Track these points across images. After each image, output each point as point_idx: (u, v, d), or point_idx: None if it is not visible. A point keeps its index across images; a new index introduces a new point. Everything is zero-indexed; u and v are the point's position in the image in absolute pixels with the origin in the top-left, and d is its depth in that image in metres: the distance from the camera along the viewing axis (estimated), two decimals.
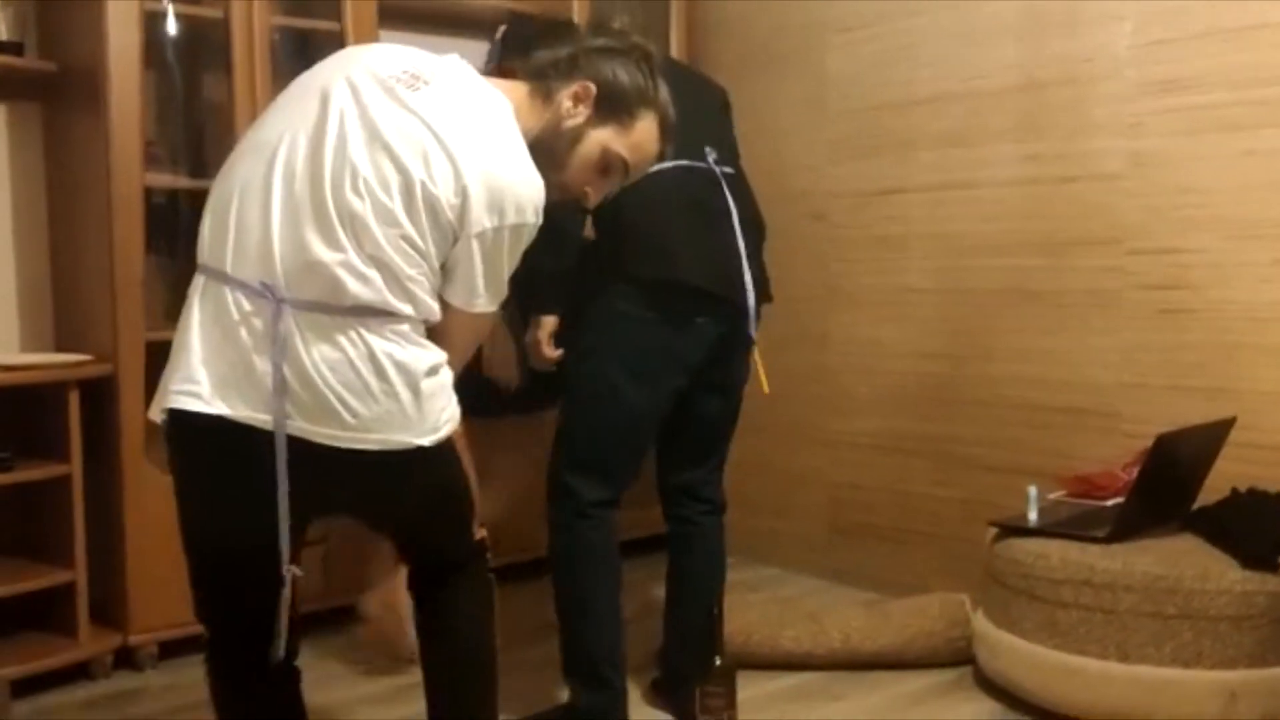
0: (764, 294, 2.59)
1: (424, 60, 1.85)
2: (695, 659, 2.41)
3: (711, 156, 2.54)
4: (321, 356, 1.68)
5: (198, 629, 3.00)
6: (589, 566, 2.47)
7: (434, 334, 1.83)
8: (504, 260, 1.82)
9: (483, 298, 1.83)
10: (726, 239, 2.49)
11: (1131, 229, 3.12)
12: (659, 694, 2.74)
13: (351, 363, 1.69)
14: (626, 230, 2.42)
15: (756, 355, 2.60)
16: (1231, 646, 2.44)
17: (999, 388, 3.40)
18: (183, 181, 3.24)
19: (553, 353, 2.51)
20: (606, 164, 1.97)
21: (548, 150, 1.89)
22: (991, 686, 2.80)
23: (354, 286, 1.69)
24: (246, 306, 1.70)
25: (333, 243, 1.69)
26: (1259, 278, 2.90)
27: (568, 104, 1.93)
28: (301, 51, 3.46)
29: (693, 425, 2.61)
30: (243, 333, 1.70)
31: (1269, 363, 2.89)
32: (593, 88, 1.93)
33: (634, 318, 2.43)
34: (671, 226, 2.43)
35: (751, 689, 2.75)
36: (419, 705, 1.98)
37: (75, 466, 2.88)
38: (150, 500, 2.99)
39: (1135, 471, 2.74)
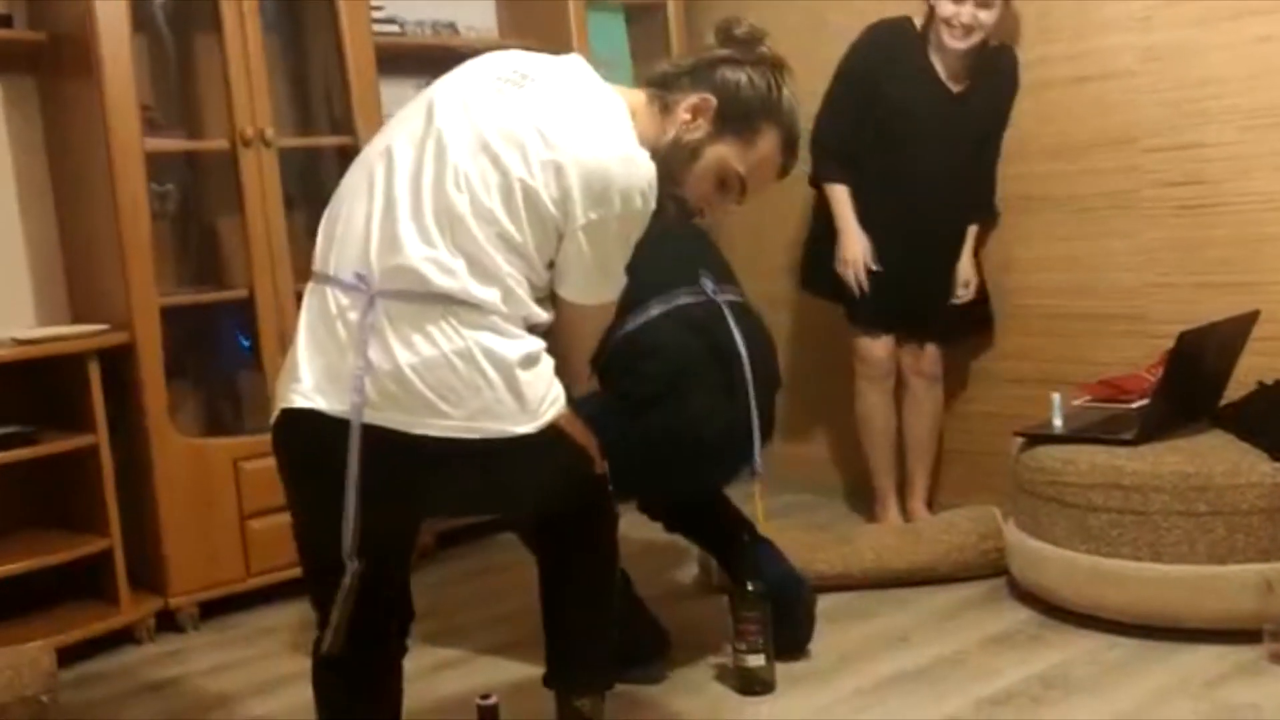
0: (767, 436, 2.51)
1: (537, 60, 1.86)
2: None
3: (709, 285, 2.43)
4: (412, 346, 1.68)
5: (236, 588, 3.13)
6: None
7: (556, 328, 1.83)
8: (615, 250, 1.79)
9: (598, 290, 1.82)
10: (739, 392, 2.38)
11: (1147, 126, 3.06)
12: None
13: (443, 352, 1.68)
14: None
15: (758, 490, 2.54)
16: (1265, 539, 2.42)
17: (1020, 298, 3.36)
18: (182, 144, 3.23)
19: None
20: (724, 180, 1.91)
21: (664, 163, 1.83)
22: (1026, 595, 2.79)
23: (439, 279, 1.69)
24: (344, 301, 1.73)
25: (426, 239, 1.70)
26: (1278, 166, 2.84)
27: (686, 116, 1.87)
28: (289, 9, 3.43)
29: None
30: (339, 327, 1.73)
31: None
32: (713, 100, 1.87)
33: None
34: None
35: None
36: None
37: (101, 436, 2.91)
38: (179, 464, 3.02)
39: (1160, 372, 2.71)
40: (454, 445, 1.70)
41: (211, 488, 3.08)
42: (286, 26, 3.45)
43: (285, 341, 3.17)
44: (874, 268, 3.20)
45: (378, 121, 3.32)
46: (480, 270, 1.70)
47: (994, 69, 3.21)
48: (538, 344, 1.77)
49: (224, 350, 3.37)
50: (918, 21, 3.18)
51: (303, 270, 3.35)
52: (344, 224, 1.78)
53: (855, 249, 3.20)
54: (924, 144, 3.18)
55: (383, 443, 1.70)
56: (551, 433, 1.77)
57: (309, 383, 1.74)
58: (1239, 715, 2.17)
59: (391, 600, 1.89)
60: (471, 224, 1.70)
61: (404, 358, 1.68)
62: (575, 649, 2.01)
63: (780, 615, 2.45)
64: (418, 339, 1.68)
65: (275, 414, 1.80)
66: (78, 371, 2.89)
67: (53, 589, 2.97)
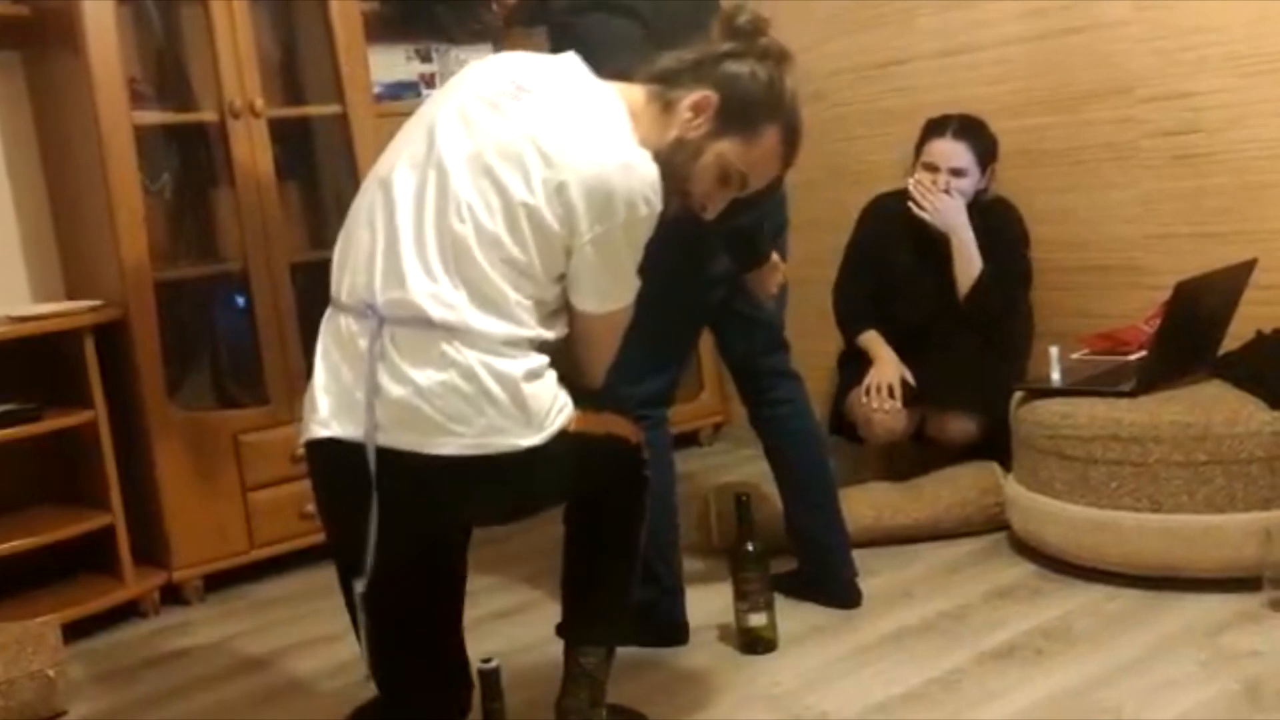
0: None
1: (533, 67, 1.86)
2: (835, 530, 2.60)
3: None
4: (419, 372, 1.71)
5: (240, 560, 3.14)
6: None
7: (573, 337, 1.85)
8: (625, 257, 1.80)
9: (612, 299, 1.83)
10: None
11: (1142, 76, 3.03)
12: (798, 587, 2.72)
13: (449, 376, 1.70)
14: None
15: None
16: (1265, 487, 2.42)
17: None
18: (170, 117, 3.21)
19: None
20: (725, 178, 1.90)
21: (667, 162, 1.81)
22: (1027, 549, 2.80)
23: (439, 313, 1.71)
24: (354, 328, 1.77)
25: (428, 272, 1.72)
26: (1275, 113, 2.81)
27: (687, 114, 1.85)
28: None
29: (736, 315, 2.57)
30: (350, 353, 1.77)
31: None
32: (714, 98, 1.85)
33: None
34: None
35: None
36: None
37: (99, 411, 2.91)
38: (178, 439, 3.03)
39: (1158, 323, 2.70)
40: (467, 462, 1.73)
41: (212, 461, 3.08)
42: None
43: (281, 315, 3.18)
44: (910, 383, 3.08)
45: (365, 91, 3.31)
46: (484, 300, 1.72)
47: (992, 225, 3.16)
48: (540, 359, 1.78)
49: (220, 324, 3.36)
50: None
51: (296, 242, 3.38)
52: (352, 252, 1.82)
53: (889, 371, 3.09)
54: (928, 315, 3.17)
55: (398, 465, 1.73)
56: (564, 440, 1.79)
57: (325, 411, 1.79)
58: (1240, 663, 2.17)
59: (432, 646, 1.94)
60: (476, 252, 1.72)
61: (411, 384, 1.71)
62: (591, 601, 2.02)
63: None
64: (424, 364, 1.71)
65: (302, 445, 1.86)
66: (74, 348, 2.89)
67: (57, 565, 2.98)
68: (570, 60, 1.88)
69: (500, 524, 2.06)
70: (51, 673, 2.47)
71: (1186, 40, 2.93)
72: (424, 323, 1.72)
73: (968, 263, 3.09)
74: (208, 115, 3.16)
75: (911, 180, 3.16)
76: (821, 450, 2.67)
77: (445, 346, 1.71)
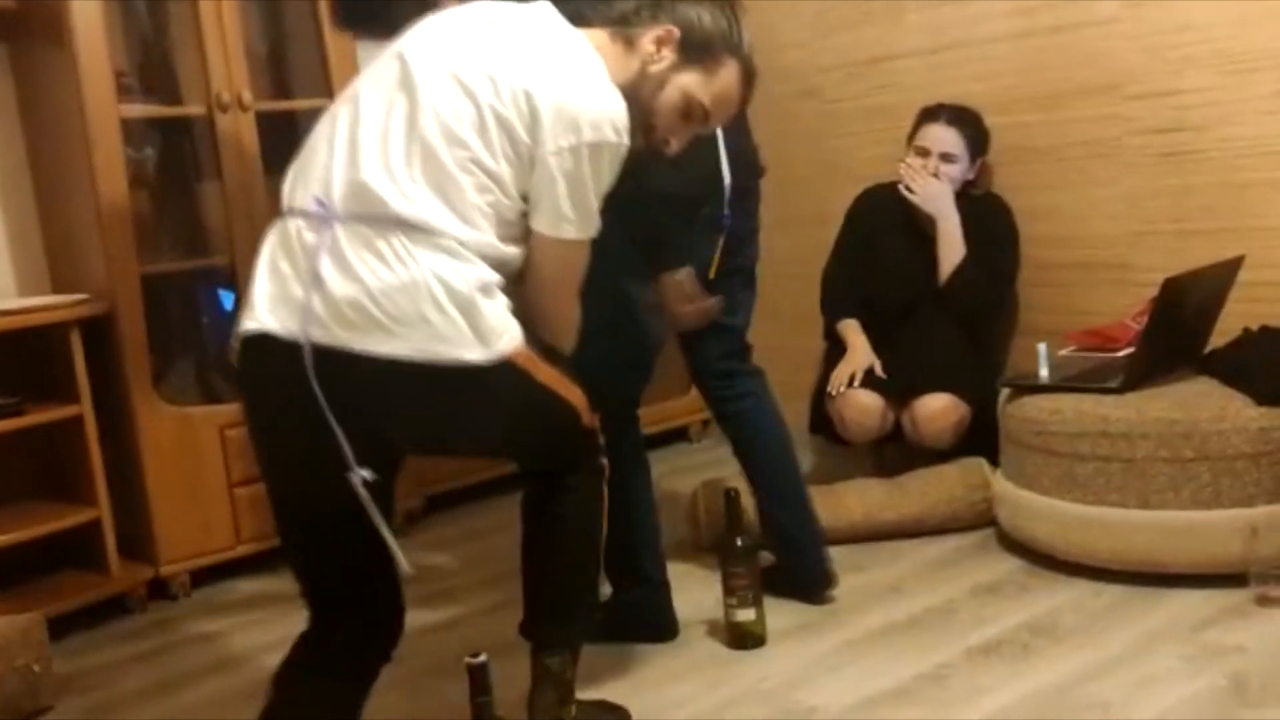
0: (754, 171, 2.53)
1: (504, 8, 1.87)
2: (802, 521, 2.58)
3: None
4: (367, 269, 1.68)
5: (226, 555, 3.13)
6: (620, 463, 2.44)
7: (526, 269, 1.82)
8: (588, 182, 1.79)
9: (570, 223, 1.80)
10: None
11: (1129, 73, 3.04)
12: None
13: (397, 278, 1.67)
14: None
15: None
16: (1250, 484, 2.43)
17: None
18: (158, 110, 3.19)
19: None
20: (688, 110, 1.94)
21: (633, 96, 1.85)
22: (1014, 545, 2.81)
23: (397, 202, 1.69)
24: (302, 224, 1.74)
25: (387, 166, 1.71)
26: (1262, 111, 2.83)
27: (650, 48, 1.90)
28: None
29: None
30: (296, 248, 1.73)
31: (1276, 197, 2.84)
32: (676, 32, 1.90)
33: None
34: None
35: None
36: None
37: (85, 406, 2.89)
38: (165, 433, 3.01)
39: (1145, 320, 2.71)
40: (403, 369, 1.68)
41: (199, 456, 3.07)
42: None
43: None
44: (879, 375, 3.13)
45: None
46: (444, 198, 1.71)
47: (981, 217, 3.21)
48: (494, 276, 1.75)
49: (207, 318, 3.35)
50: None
51: None
52: (309, 165, 1.80)
53: (856, 359, 3.15)
54: (916, 307, 3.21)
55: (332, 364, 1.68)
56: (511, 371, 1.75)
57: (261, 307, 1.73)
58: (1226, 658, 2.19)
59: (361, 579, 1.87)
60: (442, 153, 1.71)
61: (357, 280, 1.67)
62: (546, 604, 2.01)
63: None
64: (373, 262, 1.68)
65: (234, 350, 1.79)
66: (60, 342, 2.87)
67: (43, 560, 2.97)
68: (542, 5, 1.89)
69: (426, 451, 2.00)
70: (37, 667, 2.46)
71: (1173, 38, 2.94)
72: (379, 219, 1.69)
73: (951, 248, 3.14)
74: (195, 108, 3.14)
75: (903, 163, 3.20)
76: (786, 443, 2.65)
77: (398, 245, 1.68)
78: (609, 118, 1.77)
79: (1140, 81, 3.02)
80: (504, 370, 1.74)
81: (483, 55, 1.77)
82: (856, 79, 3.63)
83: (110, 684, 2.61)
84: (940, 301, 3.17)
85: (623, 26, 1.92)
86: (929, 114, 3.24)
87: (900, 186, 3.20)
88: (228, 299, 3.27)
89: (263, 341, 1.72)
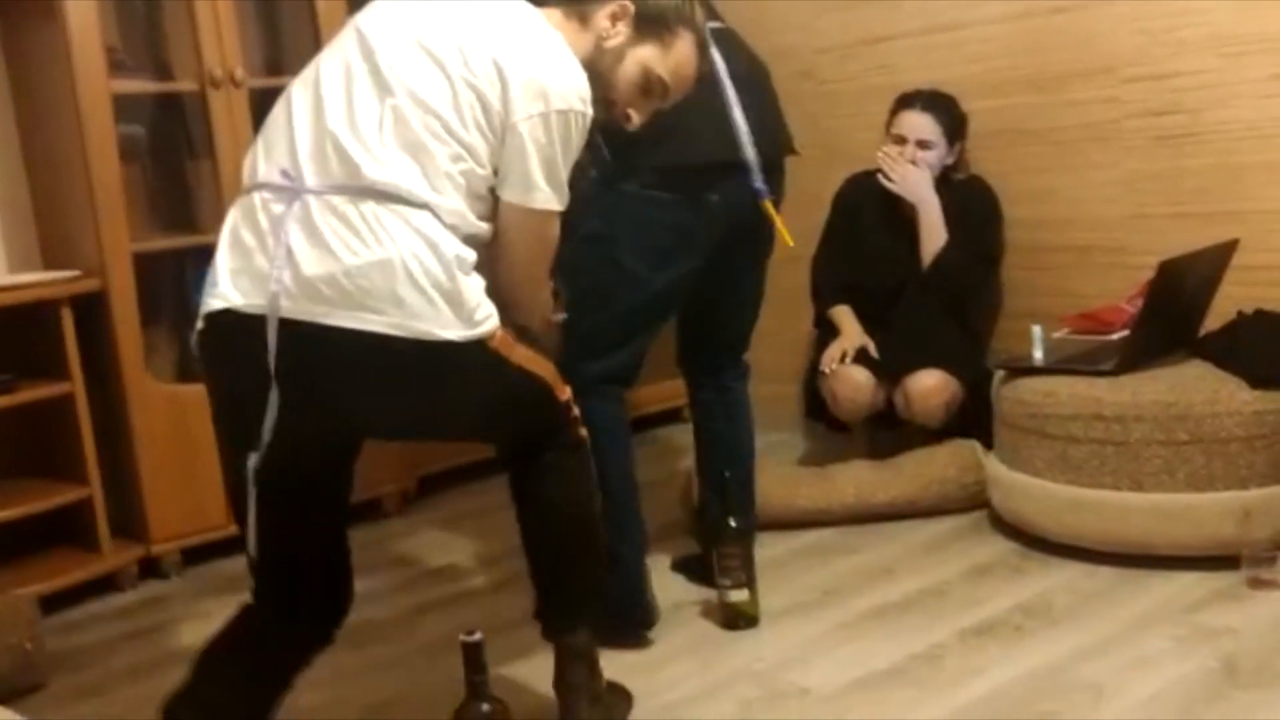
0: (780, 147, 2.50)
1: None
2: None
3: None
4: (336, 237, 1.65)
5: (218, 534, 3.12)
6: (599, 444, 2.42)
7: (496, 240, 1.81)
8: (557, 150, 1.79)
9: (541, 191, 1.79)
10: (714, 104, 2.39)
11: (1126, 56, 3.03)
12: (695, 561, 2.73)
13: (367, 246, 1.64)
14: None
15: (769, 207, 2.47)
16: (1244, 467, 2.44)
17: None
18: (150, 86, 3.17)
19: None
20: (647, 85, 1.96)
21: (591, 71, 1.86)
22: (1007, 527, 2.81)
23: (369, 168, 1.67)
24: (268, 196, 1.71)
25: (356, 132, 1.69)
26: (1259, 94, 2.83)
27: (605, 24, 1.92)
28: None
29: (714, 305, 2.55)
30: (261, 219, 1.70)
31: (1273, 180, 2.84)
32: (630, 6, 1.92)
33: (645, 201, 2.34)
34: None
35: (768, 549, 2.77)
36: None
37: (76, 383, 2.88)
38: (156, 411, 3.00)
39: (1140, 303, 2.71)
40: (378, 344, 1.65)
41: (190, 434, 3.05)
42: None
43: None
44: (872, 354, 3.16)
45: None
46: (416, 162, 1.69)
47: (963, 201, 3.22)
48: (470, 253, 1.73)
49: (198, 295, 3.31)
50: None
51: None
52: (269, 134, 1.77)
53: (848, 340, 3.19)
54: (903, 292, 3.23)
55: (301, 339, 1.65)
56: (487, 352, 1.74)
57: (225, 284, 1.70)
58: (1218, 639, 2.19)
59: (314, 559, 1.85)
60: (414, 120, 1.70)
61: (330, 255, 1.64)
62: (556, 586, 2.00)
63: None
64: (345, 235, 1.64)
65: (196, 329, 1.76)
66: (51, 319, 2.86)
67: (34, 538, 2.96)
68: None
69: (399, 436, 1.98)
70: (29, 645, 2.45)
71: (1170, 21, 2.93)
72: (349, 188, 1.66)
73: (932, 234, 3.17)
74: (187, 85, 3.12)
75: (880, 152, 3.22)
76: (751, 445, 2.67)
77: (370, 215, 1.65)
78: (575, 88, 1.79)
79: (1137, 64, 3.01)
80: (480, 350, 1.73)
81: (447, 27, 1.76)
82: (853, 60, 3.61)
83: (102, 662, 2.61)
84: (925, 287, 3.19)
85: (576, 3, 1.93)
86: (904, 101, 3.26)
87: (879, 176, 3.22)
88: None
89: (226, 318, 1.69)
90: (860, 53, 3.59)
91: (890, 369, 3.13)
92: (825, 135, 3.70)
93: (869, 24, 3.55)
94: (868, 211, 3.32)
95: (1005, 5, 3.23)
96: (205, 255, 3.15)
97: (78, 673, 2.56)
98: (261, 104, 3.17)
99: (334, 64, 1.77)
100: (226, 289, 1.69)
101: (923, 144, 3.18)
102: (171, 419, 3.02)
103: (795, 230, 3.36)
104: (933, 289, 3.19)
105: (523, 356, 1.82)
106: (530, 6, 1.87)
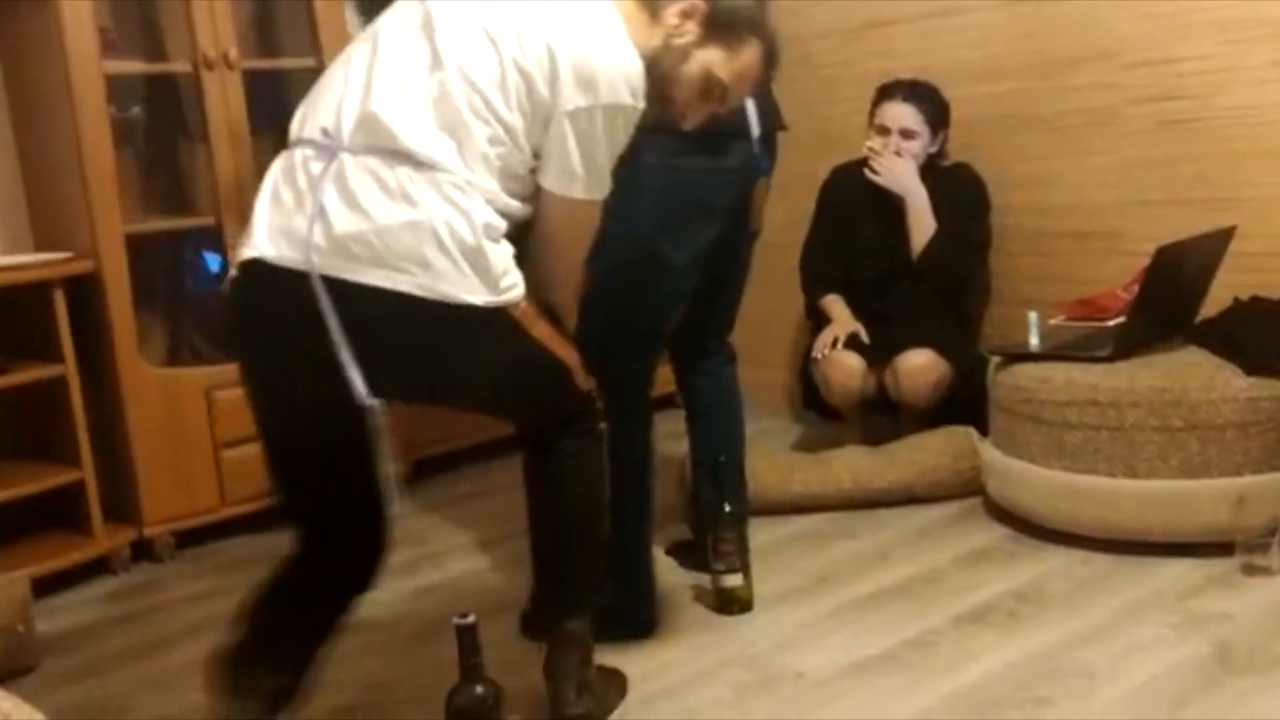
0: (775, 124, 2.49)
1: None
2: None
3: None
4: (372, 200, 1.66)
5: (211, 517, 3.11)
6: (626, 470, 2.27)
7: (534, 226, 1.81)
8: (601, 144, 1.78)
9: (580, 182, 1.79)
10: None
11: (1126, 41, 3.02)
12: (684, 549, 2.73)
13: (403, 210, 1.65)
14: None
15: (760, 186, 2.47)
16: (1238, 454, 2.43)
17: (997, 218, 3.33)
18: (143, 67, 3.15)
19: None
20: (708, 88, 1.92)
21: (654, 66, 1.84)
22: (1002, 513, 2.81)
23: (405, 137, 1.68)
24: (309, 154, 1.72)
25: (400, 99, 1.70)
26: (1259, 80, 2.81)
27: (674, 20, 1.89)
28: None
29: (705, 286, 2.52)
30: (299, 177, 1.72)
31: (1271, 167, 2.83)
32: (702, 5, 1.89)
33: (669, 171, 2.27)
34: None
35: (763, 534, 2.76)
36: None
37: (69, 366, 2.86)
38: (149, 394, 2.99)
39: (1136, 290, 2.70)
40: (401, 303, 1.66)
41: (184, 417, 3.05)
42: None
43: None
44: (863, 340, 3.18)
45: (343, 42, 3.23)
46: (454, 139, 1.69)
47: (951, 188, 3.22)
48: (500, 222, 1.73)
49: (192, 278, 3.32)
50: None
51: None
52: (321, 98, 1.78)
53: (840, 327, 3.21)
54: (894, 282, 3.24)
55: (331, 295, 1.66)
56: (509, 320, 1.74)
57: (261, 234, 1.72)
58: (1212, 626, 2.19)
59: (351, 504, 1.87)
60: (458, 97, 1.70)
61: (361, 212, 1.66)
62: (558, 571, 2.00)
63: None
64: (378, 195, 1.66)
65: (228, 279, 1.77)
66: (43, 301, 2.84)
67: (26, 520, 2.94)
68: None
69: (415, 398, 1.98)
70: (21, 628, 2.44)
71: (1171, 6, 2.92)
72: (386, 150, 1.67)
73: (921, 224, 3.18)
74: (181, 66, 3.10)
75: (866, 146, 3.24)
76: (741, 431, 2.65)
77: (404, 178, 1.66)
78: (625, 78, 1.76)
79: (1138, 50, 3.00)
80: (502, 317, 1.73)
81: (508, 13, 1.75)
82: (851, 44, 3.60)
83: (94, 645, 2.60)
84: (915, 277, 3.20)
85: None
86: (885, 91, 3.27)
87: (865, 170, 3.23)
88: (213, 260, 3.24)
89: (260, 268, 1.70)
90: (859, 38, 3.58)
91: (882, 354, 3.14)
92: (820, 120, 3.69)
93: (868, 9, 3.54)
94: (856, 202, 3.33)
95: None
96: (199, 237, 3.22)
97: (69, 655, 2.56)
98: (255, 86, 3.17)
99: (396, 35, 1.77)
100: (262, 242, 1.71)
101: (906, 133, 3.20)
102: (164, 402, 3.01)
103: (790, 214, 3.36)
104: (923, 277, 3.20)
105: (544, 333, 1.82)
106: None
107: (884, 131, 3.22)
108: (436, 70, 1.72)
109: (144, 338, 3.06)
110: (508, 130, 1.73)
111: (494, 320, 1.72)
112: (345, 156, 1.69)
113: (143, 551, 3.06)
